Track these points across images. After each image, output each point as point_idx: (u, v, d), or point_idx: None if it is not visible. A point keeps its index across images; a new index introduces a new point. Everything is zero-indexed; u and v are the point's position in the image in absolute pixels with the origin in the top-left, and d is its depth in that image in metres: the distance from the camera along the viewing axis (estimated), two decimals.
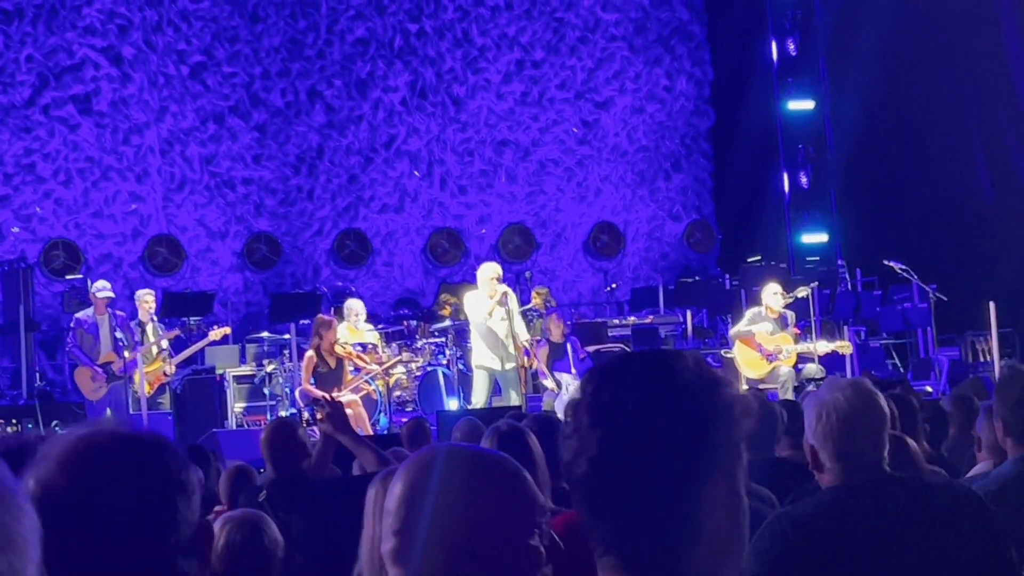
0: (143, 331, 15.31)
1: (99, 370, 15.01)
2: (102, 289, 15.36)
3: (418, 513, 2.27)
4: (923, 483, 4.03)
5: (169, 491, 1.86)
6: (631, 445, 1.75)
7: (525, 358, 14.80)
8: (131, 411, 14.61)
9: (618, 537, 1.76)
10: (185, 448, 9.76)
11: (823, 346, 15.41)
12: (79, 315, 15.49)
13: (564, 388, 15.42)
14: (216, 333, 15.95)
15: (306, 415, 13.95)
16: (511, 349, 14.53)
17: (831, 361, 16.41)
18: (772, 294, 15.53)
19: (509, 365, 14.56)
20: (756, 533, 3.61)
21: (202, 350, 16.69)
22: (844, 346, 15.75)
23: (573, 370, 15.50)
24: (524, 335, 14.83)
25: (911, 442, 5.09)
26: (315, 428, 12.11)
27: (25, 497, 1.14)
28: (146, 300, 15.61)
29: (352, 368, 15.12)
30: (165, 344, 15.45)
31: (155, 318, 15.81)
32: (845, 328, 17.81)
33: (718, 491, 1.77)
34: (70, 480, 1.81)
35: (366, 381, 15.31)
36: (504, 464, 2.38)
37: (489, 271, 14.73)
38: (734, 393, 1.81)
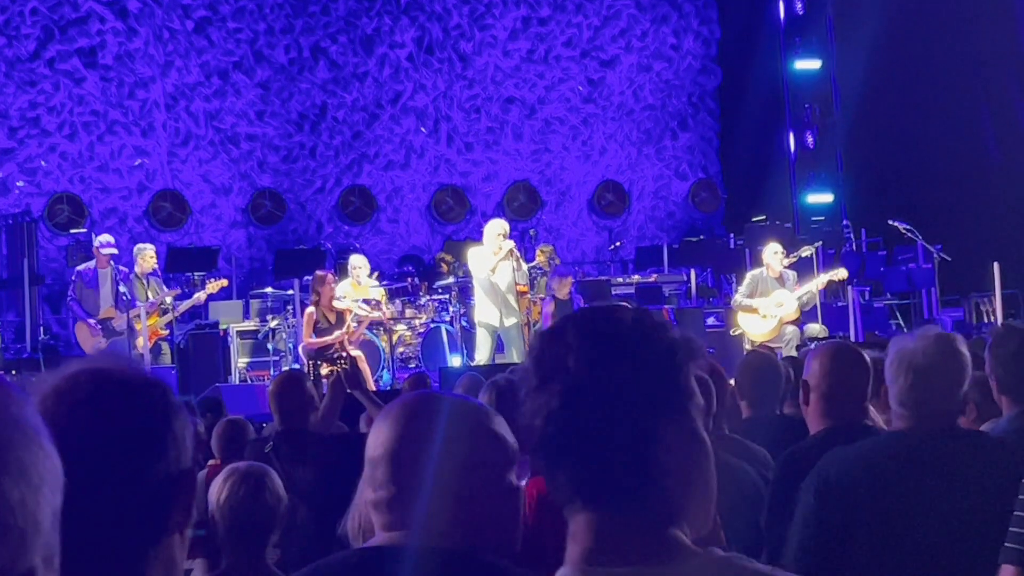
0: (143, 285, 15.29)
1: (96, 325, 14.98)
2: (106, 244, 15.34)
3: (401, 458, 2.32)
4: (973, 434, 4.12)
5: (153, 434, 1.78)
6: (578, 398, 1.82)
7: (526, 316, 14.87)
8: None
9: (581, 484, 1.83)
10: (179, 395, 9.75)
11: (821, 279, 15.40)
12: (80, 268, 15.49)
13: None
14: (213, 285, 15.87)
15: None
16: (513, 302, 14.59)
17: (835, 320, 16.43)
18: (773, 254, 15.52)
19: (510, 320, 14.62)
20: (813, 470, 3.81)
21: (206, 305, 16.69)
22: (838, 272, 15.70)
23: None
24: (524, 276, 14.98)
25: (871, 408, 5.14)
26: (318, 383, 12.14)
27: (49, 440, 1.13)
28: (147, 256, 15.56)
29: (355, 322, 15.15)
30: (169, 300, 15.45)
31: (159, 273, 15.78)
32: (849, 288, 17.79)
33: (672, 432, 1.82)
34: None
35: (366, 333, 15.36)
36: (477, 407, 2.46)
37: (497, 227, 14.79)
38: (675, 337, 1.87)
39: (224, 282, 16.30)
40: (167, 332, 15.54)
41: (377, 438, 2.37)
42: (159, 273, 15.96)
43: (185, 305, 15.67)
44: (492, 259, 14.45)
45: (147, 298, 15.19)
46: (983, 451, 3.79)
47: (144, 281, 15.40)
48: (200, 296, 15.81)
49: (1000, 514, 3.52)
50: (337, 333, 14.47)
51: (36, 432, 1.12)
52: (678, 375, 1.85)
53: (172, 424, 1.81)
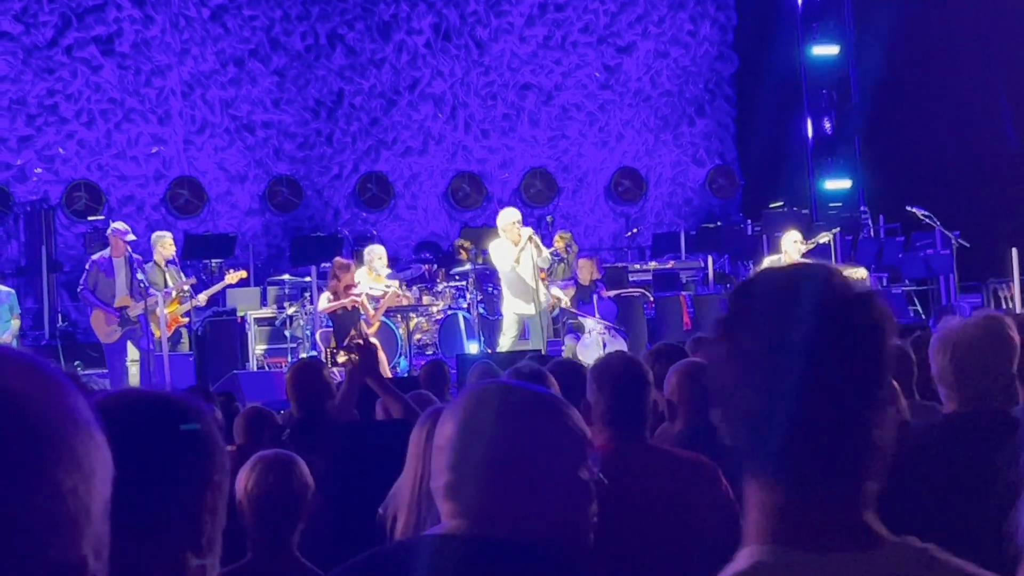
0: (162, 272, 15.27)
1: (112, 313, 14.92)
2: (122, 231, 15.29)
3: (471, 448, 2.29)
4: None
5: (200, 452, 1.83)
6: (779, 365, 1.67)
7: (555, 300, 14.88)
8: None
9: (778, 457, 1.68)
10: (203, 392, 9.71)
11: None
12: (95, 256, 15.35)
13: (587, 332, 15.43)
14: (232, 276, 15.83)
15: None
16: (540, 288, 14.50)
17: None
18: (792, 241, 15.51)
19: (541, 307, 14.54)
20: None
21: (223, 292, 16.70)
22: (857, 271, 15.70)
23: (597, 314, 15.50)
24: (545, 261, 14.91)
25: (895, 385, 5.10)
26: (335, 371, 12.17)
27: (101, 434, 1.15)
28: (166, 243, 15.51)
29: (373, 305, 15.14)
30: (187, 288, 15.42)
31: (176, 260, 15.75)
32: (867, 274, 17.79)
33: (876, 410, 1.71)
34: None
35: (383, 320, 15.37)
36: (552, 399, 2.41)
37: (509, 216, 14.69)
38: (883, 308, 1.74)
39: (243, 273, 16.27)
40: (187, 320, 15.54)
41: (442, 426, 2.35)
42: (177, 260, 15.93)
43: (204, 295, 15.66)
44: (514, 250, 14.36)
45: (166, 285, 15.17)
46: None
47: (163, 268, 15.38)
48: (224, 284, 15.82)
49: None
50: (352, 297, 14.52)
51: (88, 423, 1.14)
52: (885, 348, 1.71)
53: (216, 443, 1.87)
